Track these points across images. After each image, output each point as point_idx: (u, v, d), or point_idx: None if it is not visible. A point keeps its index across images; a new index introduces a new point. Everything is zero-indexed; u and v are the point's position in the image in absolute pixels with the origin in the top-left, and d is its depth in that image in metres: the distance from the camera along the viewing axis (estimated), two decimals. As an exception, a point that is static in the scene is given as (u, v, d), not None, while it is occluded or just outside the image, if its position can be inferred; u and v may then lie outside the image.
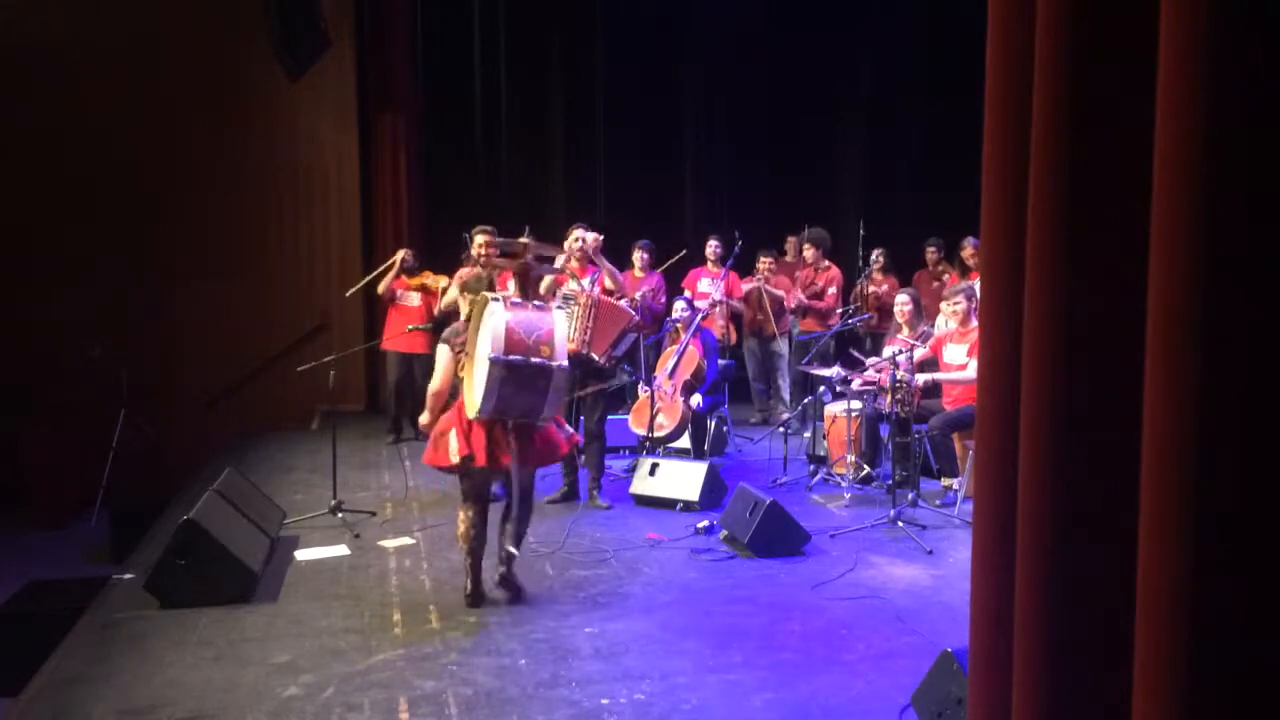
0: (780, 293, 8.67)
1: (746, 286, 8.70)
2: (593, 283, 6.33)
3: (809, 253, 8.70)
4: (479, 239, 6.60)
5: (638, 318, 6.69)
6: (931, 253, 9.02)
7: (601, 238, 6.59)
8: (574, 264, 6.40)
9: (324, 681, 3.79)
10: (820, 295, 8.65)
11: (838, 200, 10.77)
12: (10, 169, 8.85)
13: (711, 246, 8.70)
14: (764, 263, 8.78)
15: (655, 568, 5.12)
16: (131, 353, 8.68)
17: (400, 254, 8.13)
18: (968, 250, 8.08)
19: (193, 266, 9.38)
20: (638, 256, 8.36)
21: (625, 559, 5.25)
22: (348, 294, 8.28)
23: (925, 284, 8.79)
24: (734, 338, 8.79)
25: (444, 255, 8.19)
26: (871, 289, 8.75)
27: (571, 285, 6.30)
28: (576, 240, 6.40)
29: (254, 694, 3.69)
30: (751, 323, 8.86)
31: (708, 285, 8.56)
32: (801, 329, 8.72)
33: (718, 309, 8.45)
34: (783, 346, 8.80)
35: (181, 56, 9.25)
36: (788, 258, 9.26)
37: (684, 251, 8.65)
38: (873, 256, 8.87)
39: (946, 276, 8.65)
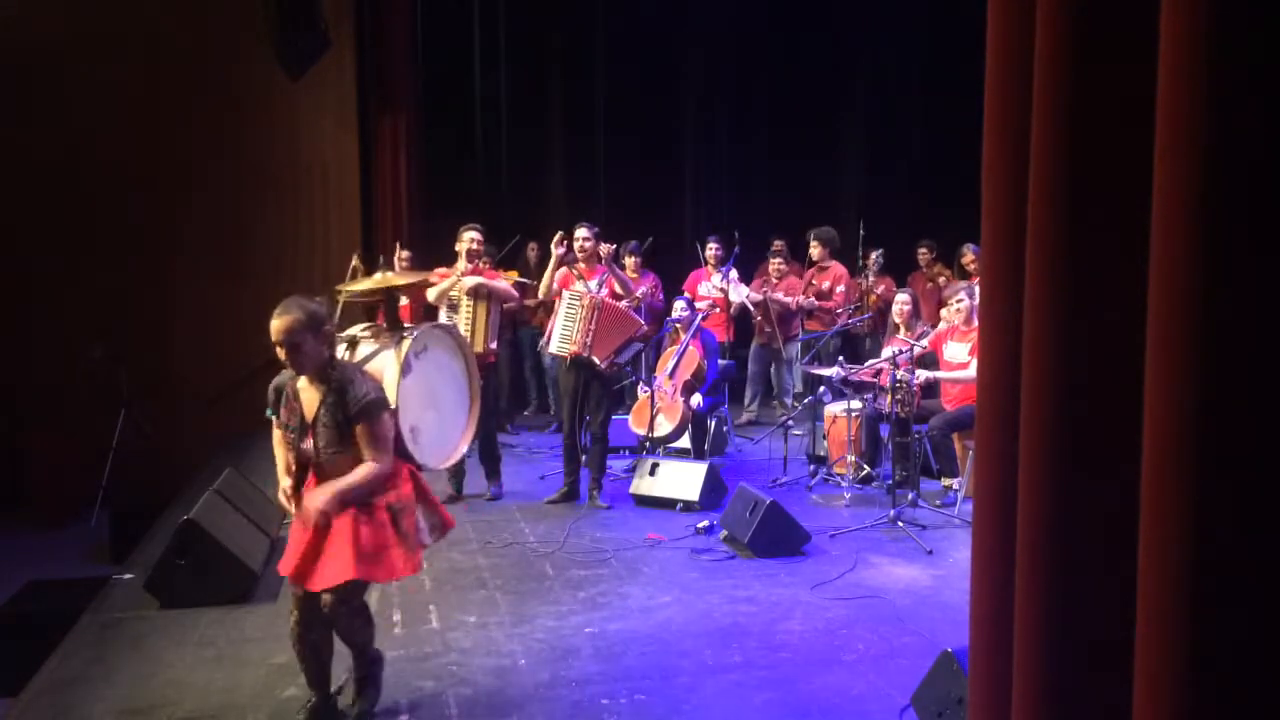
0: (788, 299, 8.63)
1: (754, 296, 8.68)
2: (600, 284, 6.32)
3: (815, 251, 8.69)
4: (467, 236, 6.57)
5: (646, 327, 6.68)
6: (924, 253, 9.03)
7: (613, 247, 6.55)
8: (581, 265, 6.38)
9: (324, 681, 3.79)
10: (827, 295, 8.64)
11: (837, 201, 10.78)
12: (9, 169, 8.85)
13: (711, 249, 8.68)
14: (774, 264, 8.77)
15: (655, 568, 5.12)
16: (131, 353, 8.67)
17: (354, 259, 7.95)
18: (968, 257, 8.09)
19: (193, 266, 9.37)
20: (630, 260, 8.37)
21: (625, 559, 5.25)
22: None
23: (920, 285, 8.80)
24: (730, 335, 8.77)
25: (444, 255, 8.19)
26: (868, 286, 8.76)
27: (578, 286, 6.30)
28: (579, 240, 6.37)
29: (254, 694, 3.69)
30: (763, 336, 8.84)
31: (708, 289, 8.55)
32: (805, 329, 8.71)
33: (717, 309, 8.44)
34: (790, 351, 8.78)
35: (181, 57, 9.23)
36: (778, 262, 9.22)
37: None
38: (872, 257, 8.88)
39: (942, 279, 8.66)
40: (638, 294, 7.66)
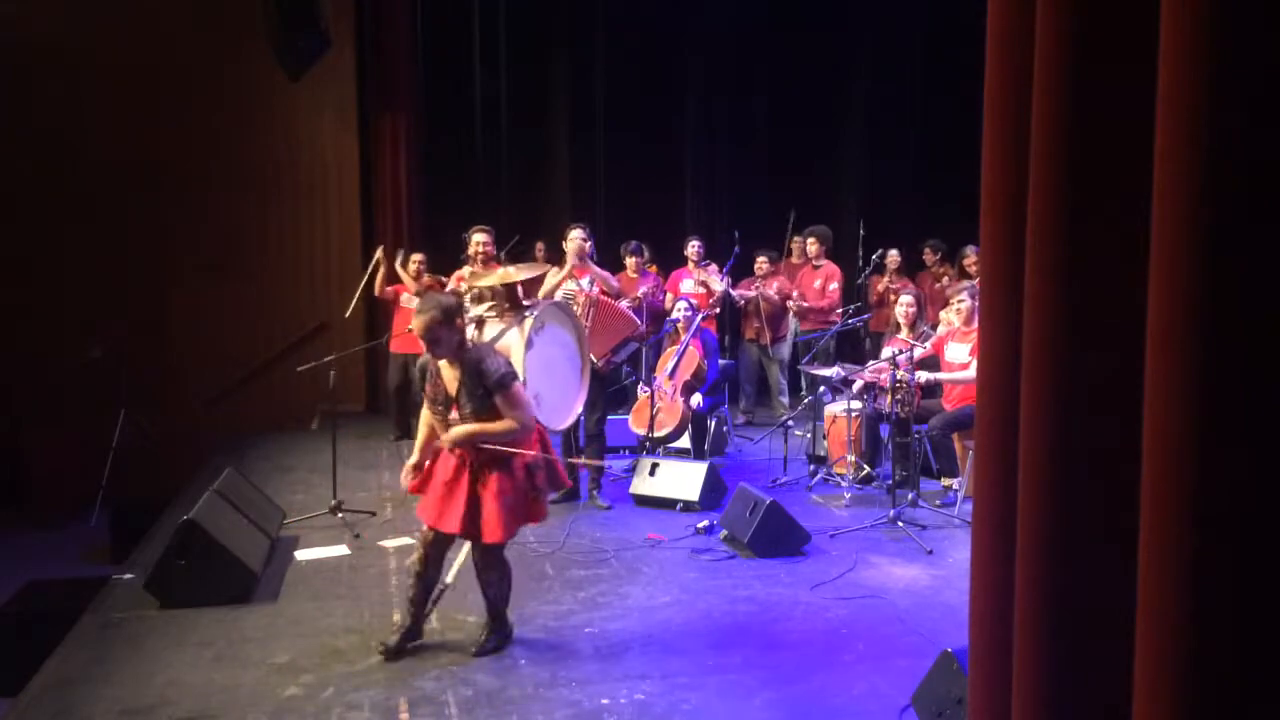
0: (776, 296, 8.60)
1: (745, 294, 8.66)
2: (591, 283, 6.32)
3: (812, 248, 8.66)
4: (476, 238, 6.58)
5: (642, 327, 6.67)
6: (928, 253, 9.01)
7: (589, 244, 6.48)
8: (575, 264, 6.37)
9: (324, 681, 3.79)
10: (819, 293, 8.61)
11: (838, 200, 10.77)
12: (10, 169, 8.85)
13: (693, 247, 8.65)
14: (761, 263, 8.75)
15: (655, 568, 5.12)
16: (131, 353, 8.67)
17: (378, 254, 8.10)
18: (969, 258, 8.07)
19: (193, 266, 9.38)
20: (630, 260, 8.35)
21: (625, 559, 5.25)
22: (347, 314, 8.19)
23: (926, 285, 8.79)
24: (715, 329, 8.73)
25: (444, 255, 8.20)
26: (886, 285, 8.74)
27: (570, 286, 6.29)
28: (574, 240, 6.36)
29: (254, 694, 3.69)
30: (751, 331, 8.82)
31: (691, 286, 8.53)
32: (802, 329, 8.69)
33: (717, 309, 8.43)
34: (781, 351, 8.76)
35: (181, 57, 9.25)
36: (793, 259, 9.23)
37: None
38: (889, 256, 8.88)
39: (947, 279, 8.64)
40: (638, 294, 7.66)
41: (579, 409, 5.16)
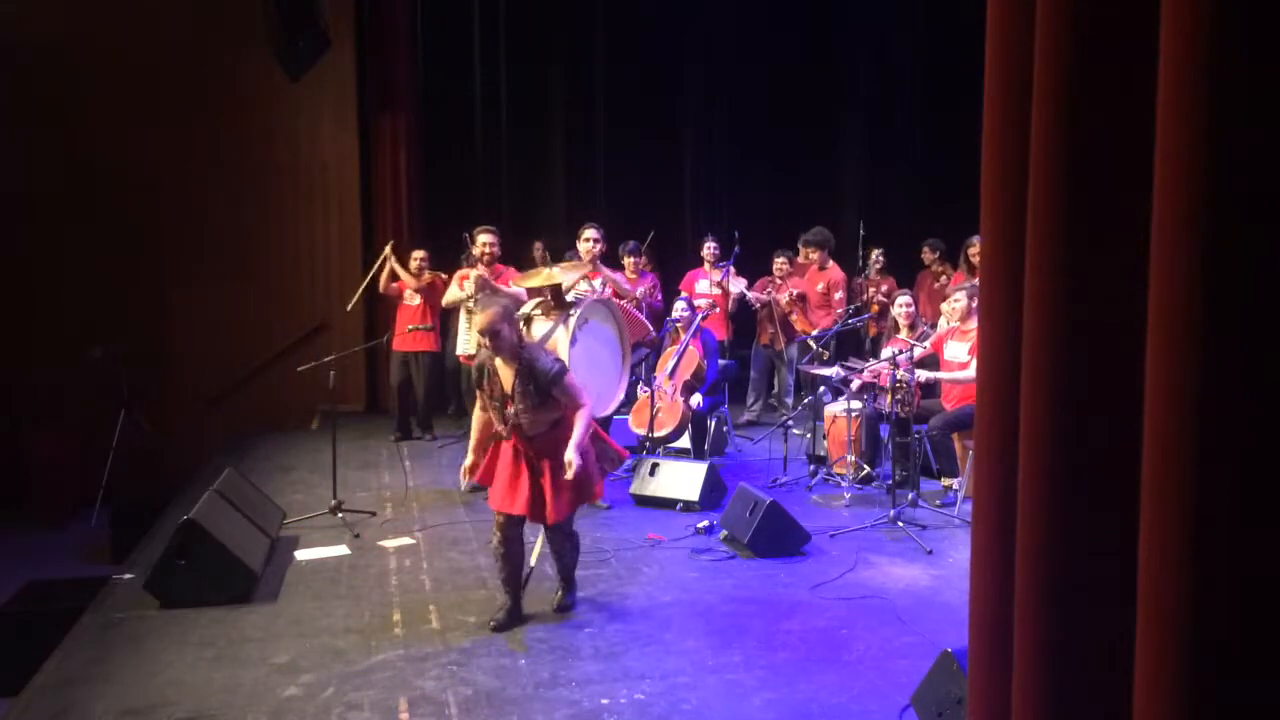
0: (787, 303, 8.59)
1: (760, 296, 8.65)
2: (604, 284, 6.31)
3: (814, 255, 8.65)
4: (481, 239, 6.63)
5: (654, 334, 6.69)
6: (927, 252, 9.01)
7: (598, 248, 6.46)
8: (588, 266, 6.37)
9: (324, 681, 3.79)
10: (824, 296, 8.60)
11: (838, 200, 10.78)
12: (10, 169, 8.85)
13: (708, 247, 8.66)
14: (780, 264, 8.73)
15: (655, 568, 5.12)
16: (131, 353, 8.68)
17: (387, 249, 8.15)
18: (974, 248, 8.06)
19: (193, 267, 9.38)
20: (628, 261, 8.35)
21: (625, 559, 5.25)
22: (349, 307, 8.25)
23: (927, 284, 8.78)
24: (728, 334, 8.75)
25: (444, 255, 8.21)
26: (870, 289, 8.73)
27: (583, 287, 6.29)
28: (588, 241, 6.34)
29: (254, 694, 3.69)
30: (765, 337, 8.81)
31: (706, 286, 8.53)
32: (802, 330, 8.68)
33: (717, 309, 8.43)
34: (793, 351, 8.76)
35: (181, 57, 9.25)
36: (800, 259, 9.23)
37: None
38: (872, 257, 8.86)
39: (945, 278, 8.63)
40: (636, 294, 7.66)
41: (621, 395, 5.60)
